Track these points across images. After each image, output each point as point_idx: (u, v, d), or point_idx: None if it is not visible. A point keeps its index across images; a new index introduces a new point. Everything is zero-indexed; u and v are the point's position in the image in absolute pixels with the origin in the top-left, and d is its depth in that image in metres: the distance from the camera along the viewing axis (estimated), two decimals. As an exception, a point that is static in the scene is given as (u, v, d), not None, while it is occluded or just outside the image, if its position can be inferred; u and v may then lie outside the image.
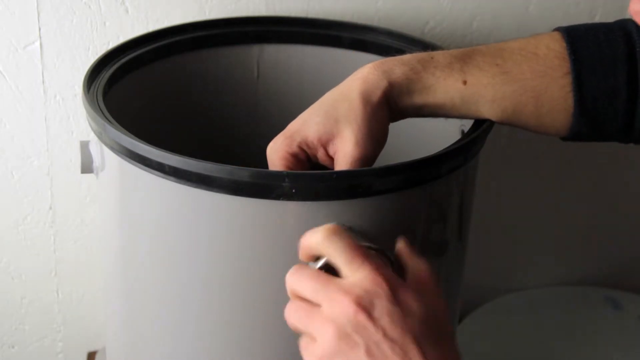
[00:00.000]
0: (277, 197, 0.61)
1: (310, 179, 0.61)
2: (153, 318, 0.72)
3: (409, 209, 0.67)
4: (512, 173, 1.13)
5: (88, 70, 0.76)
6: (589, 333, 1.13)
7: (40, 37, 0.91)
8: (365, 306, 0.51)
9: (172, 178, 0.63)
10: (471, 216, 0.77)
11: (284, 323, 0.57)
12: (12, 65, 0.91)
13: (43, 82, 0.93)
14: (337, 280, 0.54)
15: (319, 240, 0.56)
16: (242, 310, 0.67)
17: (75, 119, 0.95)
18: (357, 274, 0.53)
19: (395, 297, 0.52)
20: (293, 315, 0.55)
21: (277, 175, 0.61)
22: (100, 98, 0.72)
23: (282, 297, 0.57)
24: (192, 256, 0.67)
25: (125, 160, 0.66)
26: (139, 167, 0.64)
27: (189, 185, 0.62)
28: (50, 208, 0.99)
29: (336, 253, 0.55)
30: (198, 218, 0.65)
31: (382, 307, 0.51)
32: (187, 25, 0.88)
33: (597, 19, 1.07)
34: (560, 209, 1.16)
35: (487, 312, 1.16)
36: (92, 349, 1.08)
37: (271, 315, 0.66)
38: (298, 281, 0.55)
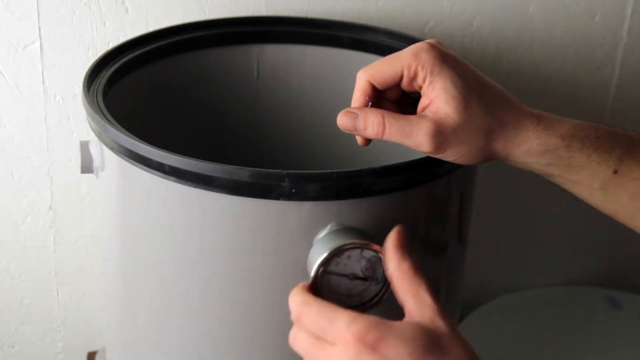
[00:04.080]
0: (277, 197, 0.61)
1: (310, 179, 0.61)
2: (152, 318, 0.72)
3: (409, 209, 0.67)
4: (512, 173, 1.13)
5: (88, 70, 0.76)
6: (589, 333, 1.13)
7: (40, 37, 0.91)
8: (370, 343, 0.50)
9: (172, 178, 0.63)
10: (471, 216, 0.77)
11: (284, 323, 0.57)
12: (12, 65, 0.91)
13: (43, 82, 0.93)
14: (341, 315, 0.52)
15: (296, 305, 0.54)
16: (242, 310, 0.67)
17: (75, 119, 0.95)
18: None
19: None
20: (301, 347, 0.54)
21: (277, 175, 0.61)
22: (100, 98, 0.72)
23: (282, 297, 0.57)
24: (192, 256, 0.67)
25: (125, 160, 0.66)
26: (139, 167, 0.64)
27: (189, 185, 0.62)
28: (50, 208, 0.99)
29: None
30: (198, 218, 0.65)
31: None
32: (187, 25, 0.88)
33: (597, 19, 1.07)
34: (560, 208, 1.16)
35: (487, 312, 1.16)
36: (92, 349, 1.08)
37: (271, 316, 0.66)
38: (303, 313, 0.54)
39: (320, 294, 0.59)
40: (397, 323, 0.51)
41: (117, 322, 0.78)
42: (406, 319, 0.53)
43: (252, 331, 0.68)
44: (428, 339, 0.50)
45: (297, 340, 0.54)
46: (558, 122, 0.63)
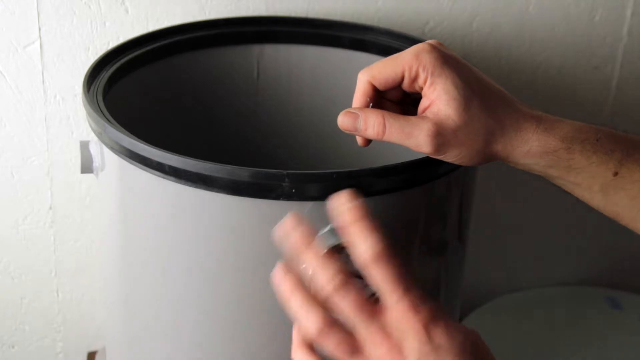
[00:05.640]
0: (277, 197, 0.61)
1: (310, 179, 0.61)
2: (152, 318, 0.72)
3: (409, 209, 0.67)
4: (512, 173, 1.13)
5: (88, 70, 0.76)
6: (589, 333, 1.13)
7: (40, 37, 0.91)
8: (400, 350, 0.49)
9: (172, 178, 0.63)
10: (471, 216, 0.77)
11: (284, 322, 0.57)
12: (12, 65, 0.91)
13: (43, 82, 0.93)
14: (379, 316, 0.50)
15: (370, 254, 0.51)
16: (241, 310, 0.67)
17: (75, 119, 0.95)
18: (398, 306, 0.50)
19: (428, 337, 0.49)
20: (336, 346, 0.51)
21: (277, 175, 0.61)
22: (100, 98, 0.72)
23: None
24: (191, 256, 0.67)
25: (125, 160, 0.66)
26: (139, 167, 0.64)
27: (189, 185, 0.62)
28: (50, 208, 0.99)
29: (384, 277, 0.51)
30: (198, 218, 0.65)
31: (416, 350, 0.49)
32: (187, 25, 0.88)
33: (597, 19, 1.07)
34: (560, 209, 1.16)
35: (487, 312, 1.16)
36: (92, 349, 1.08)
37: (271, 315, 0.66)
38: (343, 301, 0.51)
39: None
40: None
41: (117, 322, 0.78)
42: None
43: (253, 331, 0.68)
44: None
45: (332, 337, 0.50)
46: (558, 123, 0.63)
